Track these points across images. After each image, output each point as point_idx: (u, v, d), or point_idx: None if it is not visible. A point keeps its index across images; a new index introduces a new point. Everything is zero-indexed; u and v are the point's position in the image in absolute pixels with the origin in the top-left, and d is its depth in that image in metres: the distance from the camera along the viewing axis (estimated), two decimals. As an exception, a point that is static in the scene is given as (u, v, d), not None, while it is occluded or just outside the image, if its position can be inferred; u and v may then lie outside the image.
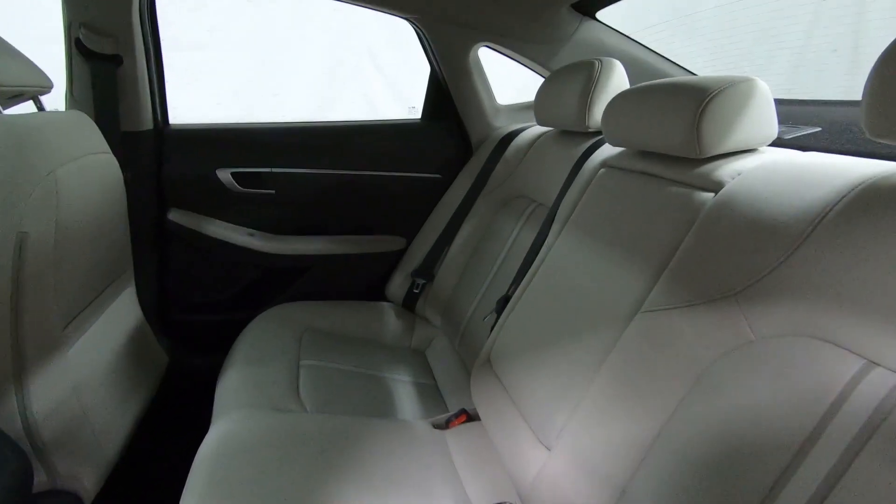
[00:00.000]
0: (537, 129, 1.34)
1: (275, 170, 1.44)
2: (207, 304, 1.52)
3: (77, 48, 1.17)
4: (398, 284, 1.50)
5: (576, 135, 1.15)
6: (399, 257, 1.54)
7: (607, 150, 0.99)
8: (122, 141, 1.26)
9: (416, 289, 1.46)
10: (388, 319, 1.45)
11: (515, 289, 1.06)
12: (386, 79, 3.41)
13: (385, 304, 1.51)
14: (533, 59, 1.43)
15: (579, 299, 0.82)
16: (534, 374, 0.84)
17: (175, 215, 1.42)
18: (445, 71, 1.45)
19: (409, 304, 1.48)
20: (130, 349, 1.18)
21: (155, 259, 1.44)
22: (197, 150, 1.42)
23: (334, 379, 1.16)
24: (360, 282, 1.57)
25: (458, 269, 1.39)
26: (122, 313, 1.20)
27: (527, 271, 1.05)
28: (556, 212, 1.06)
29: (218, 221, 1.46)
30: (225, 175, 1.42)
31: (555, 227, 1.02)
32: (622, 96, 0.85)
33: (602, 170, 0.94)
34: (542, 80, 1.28)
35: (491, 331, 1.08)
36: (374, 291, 1.57)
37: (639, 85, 0.83)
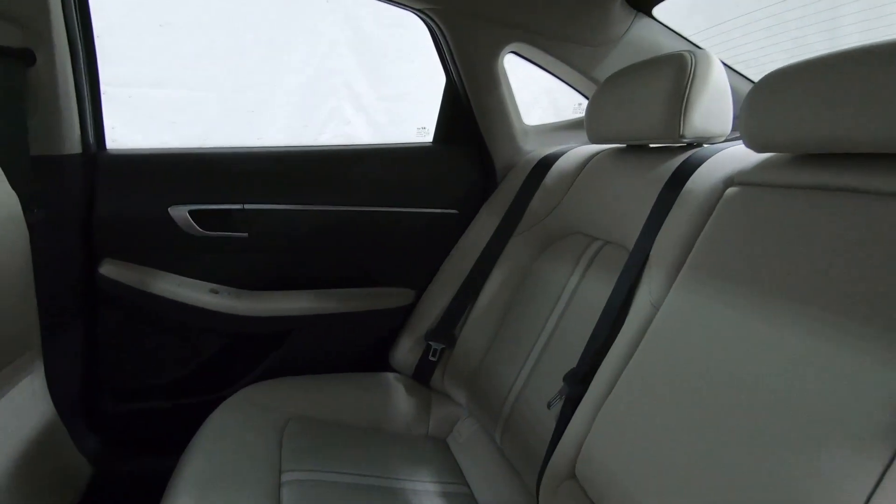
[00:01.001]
0: (587, 150, 1.06)
1: (248, 206, 1.12)
2: (153, 388, 1.15)
3: None
4: (407, 350, 1.17)
5: (653, 150, 0.87)
6: (407, 315, 1.21)
7: (727, 163, 0.70)
8: (32, 168, 0.92)
9: (433, 356, 1.13)
10: (396, 396, 1.11)
11: (597, 362, 0.74)
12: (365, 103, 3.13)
13: (390, 375, 1.17)
14: (573, 65, 1.16)
15: (756, 394, 0.51)
16: None
17: (110, 269, 1.07)
18: (467, 80, 1.16)
19: (422, 375, 1.15)
20: (30, 462, 0.81)
21: (80, 329, 1.07)
22: (143, 183, 1.08)
23: (332, 500, 0.81)
24: (358, 347, 1.23)
25: (489, 329, 1.06)
26: (19, 410, 0.82)
27: (613, 336, 0.74)
28: (647, 252, 0.76)
29: (170, 276, 1.11)
30: (181, 214, 1.09)
31: (653, 273, 0.72)
32: (785, 78, 0.57)
33: (732, 190, 0.66)
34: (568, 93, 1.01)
35: (562, 423, 0.75)
36: (376, 359, 1.23)
37: (810, 58, 0.55)
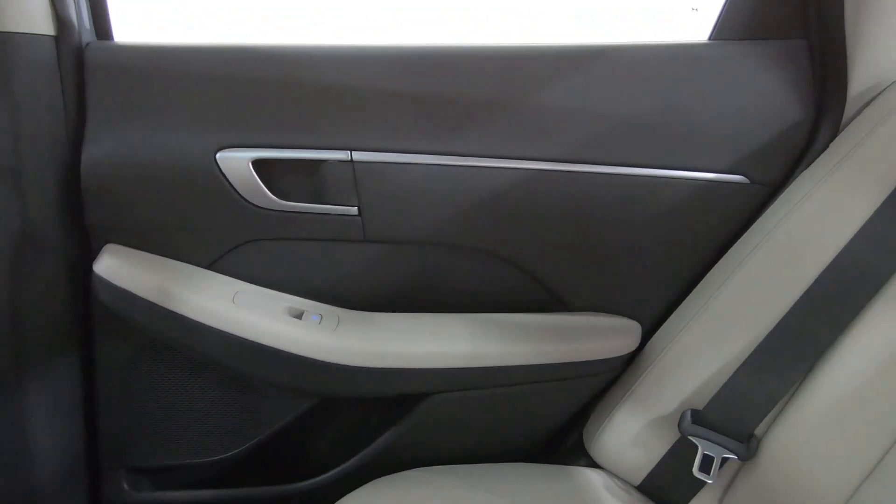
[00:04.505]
0: None
1: (359, 156, 0.59)
2: (185, 471, 0.68)
3: None
4: (629, 439, 0.63)
5: None
6: (624, 368, 0.67)
7: None
8: None
9: (703, 469, 0.57)
10: None
11: None
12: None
13: (593, 474, 0.63)
14: None
15: None
16: None
17: (112, 265, 0.58)
18: None
19: (662, 494, 0.60)
20: None
21: (62, 376, 0.60)
22: (170, 105, 0.58)
23: None
24: (534, 423, 0.69)
25: (870, 447, 0.48)
26: None
27: None
28: None
29: (219, 279, 0.61)
30: (238, 165, 0.58)
31: None
32: None
33: None
34: None
35: None
36: (559, 439, 0.70)
37: None
